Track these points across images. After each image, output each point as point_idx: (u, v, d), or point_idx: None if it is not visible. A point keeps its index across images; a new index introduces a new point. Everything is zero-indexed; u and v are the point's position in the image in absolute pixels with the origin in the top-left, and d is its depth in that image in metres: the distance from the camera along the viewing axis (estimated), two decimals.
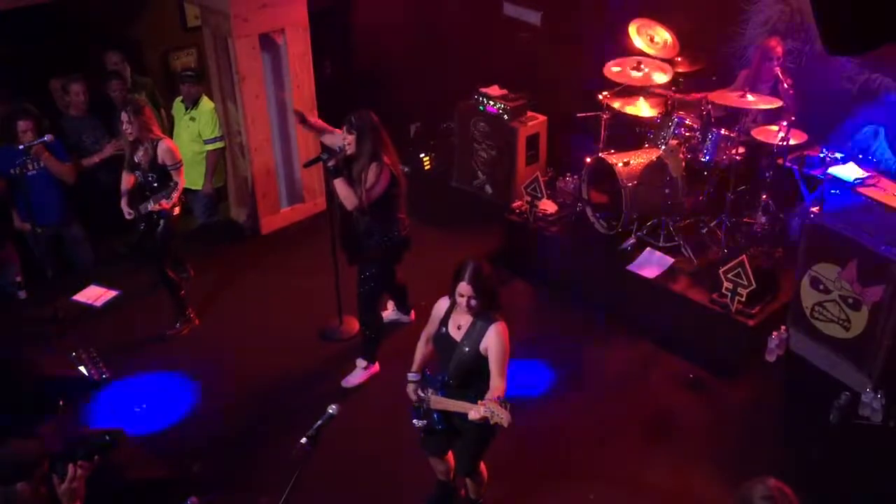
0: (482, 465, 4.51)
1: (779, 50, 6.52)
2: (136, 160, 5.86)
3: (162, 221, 5.91)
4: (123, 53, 7.32)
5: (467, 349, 4.02)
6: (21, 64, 7.07)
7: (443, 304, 4.21)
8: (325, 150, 5.48)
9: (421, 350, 4.37)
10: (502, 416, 3.75)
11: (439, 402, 4.12)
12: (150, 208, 5.83)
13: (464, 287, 3.94)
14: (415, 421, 4.31)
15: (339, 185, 5.22)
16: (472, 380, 4.05)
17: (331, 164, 5.21)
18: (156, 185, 5.82)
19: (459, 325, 4.09)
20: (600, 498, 4.90)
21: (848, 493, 4.82)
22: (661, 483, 4.98)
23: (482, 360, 4.01)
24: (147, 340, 6.16)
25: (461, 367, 4.06)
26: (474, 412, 3.81)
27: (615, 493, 4.93)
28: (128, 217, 6.03)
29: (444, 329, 4.15)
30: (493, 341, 3.97)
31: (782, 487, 2.64)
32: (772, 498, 2.61)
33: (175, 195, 5.83)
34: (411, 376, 4.33)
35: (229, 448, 5.26)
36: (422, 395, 4.22)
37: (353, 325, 6.10)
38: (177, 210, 5.97)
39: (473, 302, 3.95)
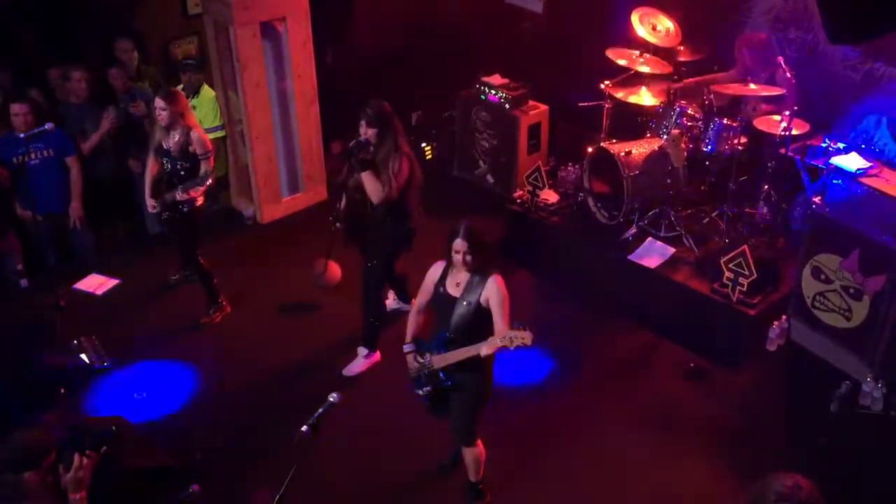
0: (480, 444, 4.56)
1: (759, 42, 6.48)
2: (165, 147, 5.77)
3: (186, 210, 5.85)
4: (133, 41, 7.28)
5: (467, 303, 4.20)
6: (20, 51, 7.05)
7: (436, 269, 4.39)
8: (355, 141, 5.29)
9: (413, 321, 4.55)
10: (524, 336, 3.89)
11: (443, 359, 4.27)
12: (178, 197, 5.76)
13: (459, 244, 4.14)
14: (418, 391, 4.45)
15: (368, 179, 5.16)
16: (472, 334, 4.19)
17: (361, 156, 5.14)
18: (183, 173, 5.76)
19: (457, 282, 4.27)
20: (599, 486, 4.92)
21: (848, 482, 4.82)
22: (661, 471, 5.00)
23: (483, 313, 4.18)
24: (147, 328, 6.17)
25: (463, 322, 4.23)
26: (487, 347, 4.00)
27: (615, 480, 4.95)
28: (151, 210, 5.98)
29: (441, 289, 4.32)
30: (492, 292, 4.17)
31: (799, 482, 2.54)
32: (786, 492, 2.53)
33: (205, 185, 5.81)
34: (407, 347, 4.49)
35: (231, 436, 5.28)
36: (422, 360, 4.37)
37: (336, 271, 6.06)
38: (200, 200, 5.92)
39: (469, 257, 4.15)
